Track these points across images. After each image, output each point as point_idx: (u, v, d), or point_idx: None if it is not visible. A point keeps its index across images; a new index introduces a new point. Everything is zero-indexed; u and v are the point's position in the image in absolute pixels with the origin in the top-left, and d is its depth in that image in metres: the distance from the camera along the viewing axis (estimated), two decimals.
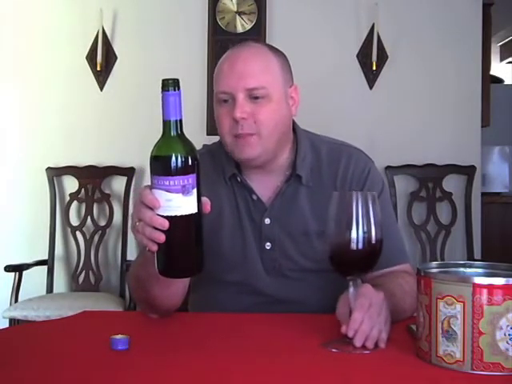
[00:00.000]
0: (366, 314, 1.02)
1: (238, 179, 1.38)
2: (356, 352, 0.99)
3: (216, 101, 1.33)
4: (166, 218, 0.95)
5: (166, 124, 0.96)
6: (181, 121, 0.97)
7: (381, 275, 1.30)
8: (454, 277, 0.93)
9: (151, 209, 0.97)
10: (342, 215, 1.02)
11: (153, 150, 0.97)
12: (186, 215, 0.95)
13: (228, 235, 1.38)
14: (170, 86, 0.95)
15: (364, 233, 1.01)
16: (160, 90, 0.95)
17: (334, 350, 1.00)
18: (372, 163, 1.44)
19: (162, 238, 0.96)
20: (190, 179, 0.95)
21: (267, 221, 1.37)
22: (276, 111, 1.31)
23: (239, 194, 1.39)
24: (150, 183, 1.46)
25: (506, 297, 0.87)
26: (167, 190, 0.94)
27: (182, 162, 0.95)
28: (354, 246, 1.01)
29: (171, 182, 0.94)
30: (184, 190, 0.94)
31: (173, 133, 0.96)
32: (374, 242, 1.02)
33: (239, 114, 1.27)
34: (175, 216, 0.95)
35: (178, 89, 0.96)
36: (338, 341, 1.02)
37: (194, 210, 0.96)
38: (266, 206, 1.37)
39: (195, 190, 0.95)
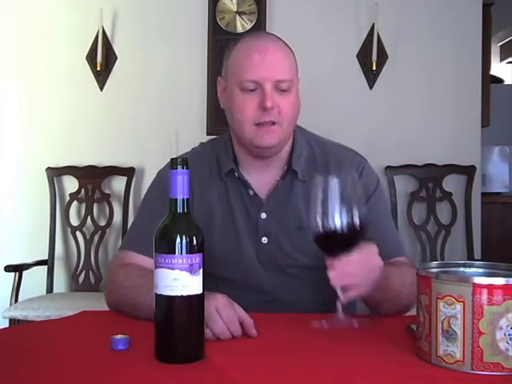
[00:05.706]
0: (348, 261, 1.10)
1: (236, 174, 1.40)
2: (343, 323, 1.10)
3: (239, 88, 1.33)
4: (171, 297, 0.93)
5: (173, 202, 0.96)
6: (188, 200, 0.97)
7: None
8: (454, 277, 0.93)
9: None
10: (323, 197, 1.11)
11: (160, 228, 0.96)
12: (192, 296, 0.93)
13: (219, 232, 1.39)
14: (179, 164, 0.95)
15: (346, 211, 1.10)
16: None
17: (323, 322, 1.11)
18: (366, 162, 1.46)
19: None
20: (198, 258, 0.94)
21: (263, 215, 1.38)
22: (295, 103, 1.35)
23: (234, 190, 1.40)
24: (149, 187, 1.48)
25: (505, 297, 0.87)
26: (174, 269, 0.92)
27: (190, 240, 0.94)
28: (336, 222, 1.09)
29: (179, 260, 0.92)
30: (192, 269, 0.93)
31: (179, 211, 0.96)
32: (355, 219, 1.10)
33: (270, 103, 1.29)
34: (181, 296, 0.93)
35: (187, 168, 0.96)
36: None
37: (199, 290, 0.94)
38: (262, 201, 1.39)
39: (201, 271, 0.94)
